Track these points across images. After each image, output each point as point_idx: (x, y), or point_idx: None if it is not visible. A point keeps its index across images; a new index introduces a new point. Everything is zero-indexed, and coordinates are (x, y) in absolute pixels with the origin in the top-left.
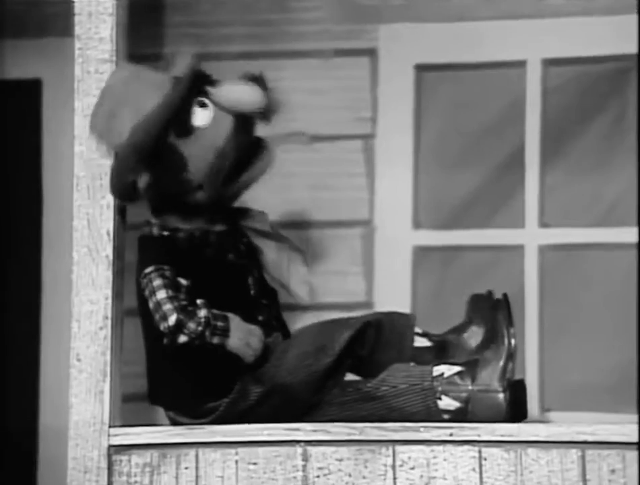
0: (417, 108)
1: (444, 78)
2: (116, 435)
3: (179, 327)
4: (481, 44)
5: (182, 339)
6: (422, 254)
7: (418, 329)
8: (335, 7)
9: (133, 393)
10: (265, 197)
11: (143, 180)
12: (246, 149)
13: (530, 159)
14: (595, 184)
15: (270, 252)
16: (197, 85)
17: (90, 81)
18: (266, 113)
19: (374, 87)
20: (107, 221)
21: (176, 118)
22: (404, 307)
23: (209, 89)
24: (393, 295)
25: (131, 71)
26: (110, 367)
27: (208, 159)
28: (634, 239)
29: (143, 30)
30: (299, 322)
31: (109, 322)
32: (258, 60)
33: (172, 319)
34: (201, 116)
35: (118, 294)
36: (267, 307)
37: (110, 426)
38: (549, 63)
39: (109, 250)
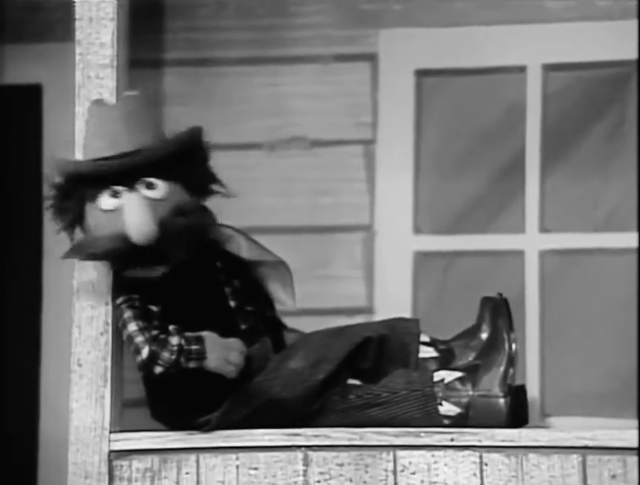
0: (417, 113)
1: (445, 83)
2: (116, 440)
3: (153, 359)
4: (481, 50)
5: (158, 369)
6: (422, 259)
7: (424, 337)
8: (335, 12)
9: (134, 398)
10: (266, 201)
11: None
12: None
13: (530, 164)
14: (596, 189)
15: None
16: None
17: (91, 86)
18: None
19: (375, 92)
20: None
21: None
22: (405, 312)
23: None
24: (393, 300)
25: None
26: (111, 372)
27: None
28: (634, 244)
29: (143, 35)
30: (300, 326)
31: (110, 327)
32: (258, 65)
33: (145, 352)
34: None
35: None
36: (252, 313)
37: (110, 431)
38: (549, 68)
39: None
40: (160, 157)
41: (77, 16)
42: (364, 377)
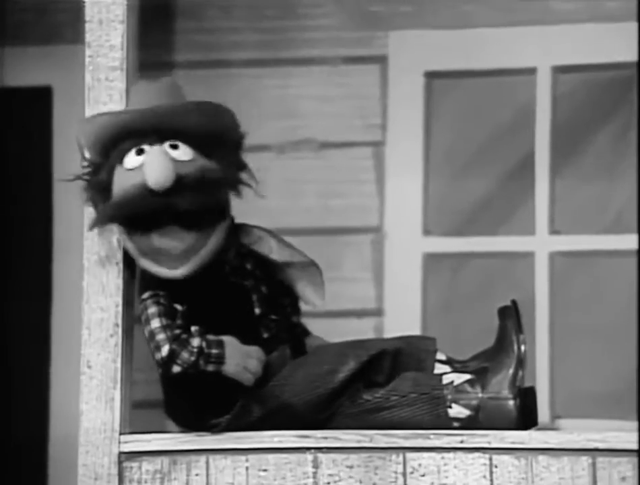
0: (427, 114)
1: (454, 85)
2: (126, 442)
3: (172, 358)
4: (490, 51)
5: (176, 369)
6: (432, 261)
7: (440, 355)
8: (345, 14)
9: (144, 400)
10: (275, 203)
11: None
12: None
13: (540, 166)
14: (605, 190)
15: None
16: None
17: (100, 88)
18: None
19: (384, 94)
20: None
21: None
22: (414, 314)
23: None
24: (403, 302)
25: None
26: (121, 374)
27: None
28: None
29: (153, 38)
30: (308, 327)
31: (119, 329)
32: (267, 67)
33: (165, 350)
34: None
35: (128, 301)
36: (276, 322)
37: (120, 433)
38: (559, 70)
39: (119, 258)
40: (189, 122)
41: (86, 18)
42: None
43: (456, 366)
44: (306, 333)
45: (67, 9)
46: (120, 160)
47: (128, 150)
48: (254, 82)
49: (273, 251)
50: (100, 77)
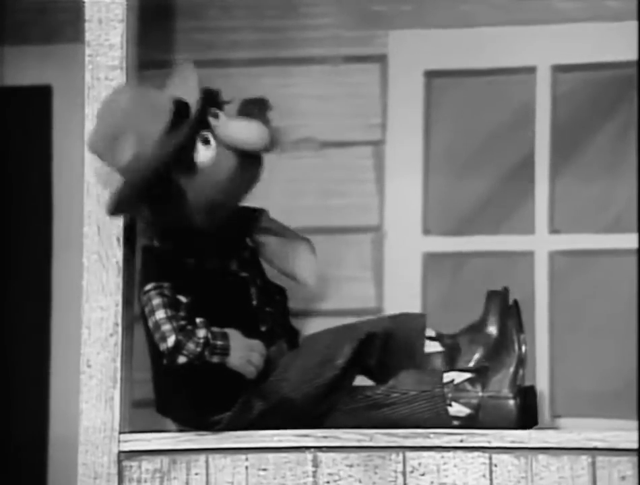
0: (426, 114)
1: (454, 84)
2: (126, 441)
3: (178, 348)
4: (490, 50)
5: (181, 359)
6: (431, 260)
7: (430, 332)
8: (345, 13)
9: (143, 399)
10: (275, 202)
11: (141, 216)
12: (249, 185)
13: (540, 165)
14: (605, 190)
15: (274, 243)
16: (202, 117)
17: (100, 87)
18: (269, 147)
19: (384, 94)
20: (117, 227)
21: (179, 158)
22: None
23: (213, 123)
24: (403, 301)
25: (133, 93)
26: (120, 373)
27: (209, 196)
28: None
29: (152, 37)
30: (309, 327)
31: (119, 328)
32: (267, 66)
33: (171, 340)
34: (203, 154)
35: (128, 300)
36: (271, 315)
37: (120, 432)
38: (559, 69)
39: (119, 257)
40: None
41: (86, 17)
42: (371, 373)
43: (446, 341)
44: (297, 330)
45: (66, 8)
46: (187, 170)
47: (189, 158)
48: (254, 81)
49: (272, 226)
50: (100, 76)
